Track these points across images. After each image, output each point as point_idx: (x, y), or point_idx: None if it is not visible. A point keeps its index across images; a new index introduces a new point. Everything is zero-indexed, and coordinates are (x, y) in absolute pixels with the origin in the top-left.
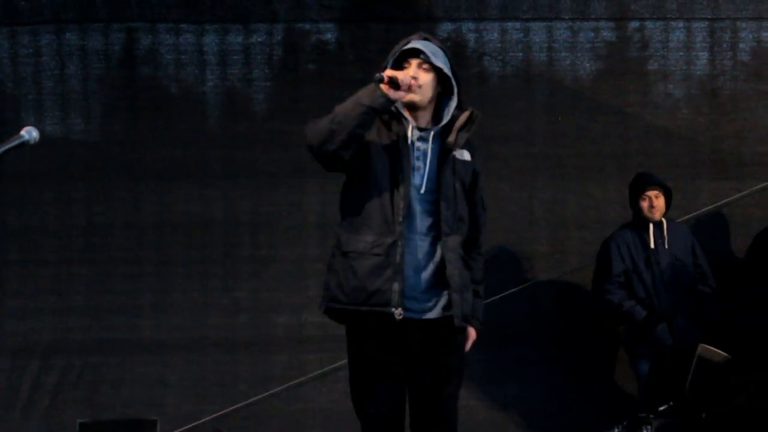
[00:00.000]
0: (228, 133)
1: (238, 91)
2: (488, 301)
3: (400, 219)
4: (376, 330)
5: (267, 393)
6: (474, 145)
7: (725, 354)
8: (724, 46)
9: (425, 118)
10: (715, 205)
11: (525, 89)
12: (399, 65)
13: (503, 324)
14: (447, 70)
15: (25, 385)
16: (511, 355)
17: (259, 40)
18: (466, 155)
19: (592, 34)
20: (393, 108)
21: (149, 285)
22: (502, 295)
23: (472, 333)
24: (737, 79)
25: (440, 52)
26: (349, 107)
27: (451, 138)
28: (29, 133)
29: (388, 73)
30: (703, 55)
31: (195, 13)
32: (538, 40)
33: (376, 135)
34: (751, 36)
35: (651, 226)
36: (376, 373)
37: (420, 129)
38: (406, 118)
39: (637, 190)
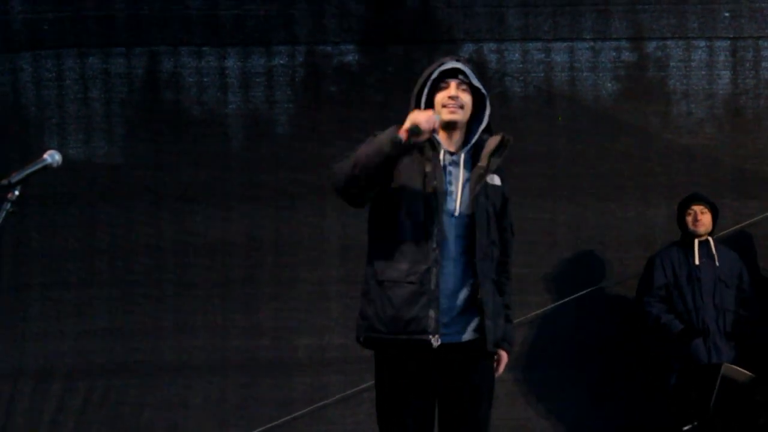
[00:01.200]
0: (250, 156)
1: (260, 113)
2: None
3: (434, 245)
4: (412, 357)
5: (289, 416)
6: (503, 170)
7: (749, 373)
8: (747, 65)
9: (458, 139)
10: (740, 225)
11: (546, 109)
12: (436, 85)
13: (527, 346)
14: (484, 90)
15: (49, 408)
16: (535, 377)
17: (281, 62)
18: (496, 180)
19: (614, 54)
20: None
21: (171, 307)
22: (525, 317)
23: (504, 356)
24: (760, 98)
25: (475, 72)
26: (370, 153)
27: (483, 162)
28: (52, 157)
29: (409, 123)
30: (726, 74)
31: (217, 36)
32: (559, 60)
33: (408, 159)
34: None
35: (696, 242)
36: (406, 400)
37: (451, 153)
38: (438, 142)
39: (683, 206)
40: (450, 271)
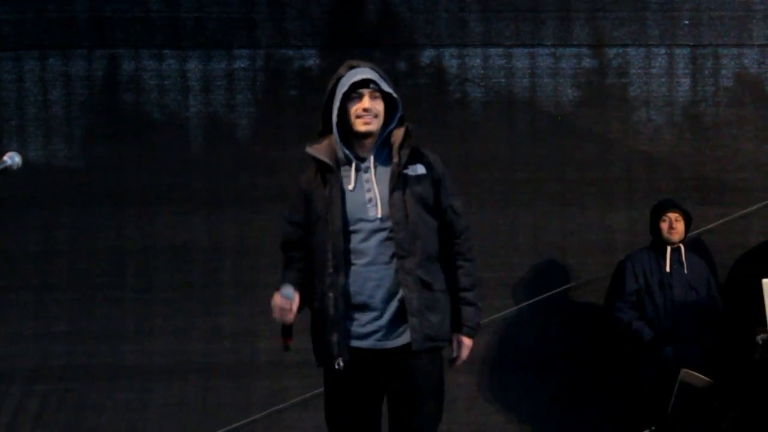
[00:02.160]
0: (211, 159)
1: (221, 116)
2: None
3: (330, 271)
4: (355, 363)
5: (249, 419)
6: (429, 156)
7: (708, 379)
8: (706, 72)
9: (372, 145)
10: (698, 231)
11: (507, 115)
12: (347, 98)
13: (488, 350)
14: (395, 95)
15: (7, 411)
16: (495, 381)
17: (242, 66)
18: (420, 169)
19: (575, 61)
20: (327, 158)
21: (132, 310)
22: (485, 321)
23: (465, 341)
24: (719, 105)
25: (384, 77)
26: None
27: (395, 159)
28: (12, 159)
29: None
30: (685, 82)
31: (178, 38)
32: (520, 66)
33: (314, 187)
34: (732, 62)
35: (668, 249)
36: (349, 405)
37: (362, 159)
38: (348, 156)
39: (658, 212)
40: (377, 278)
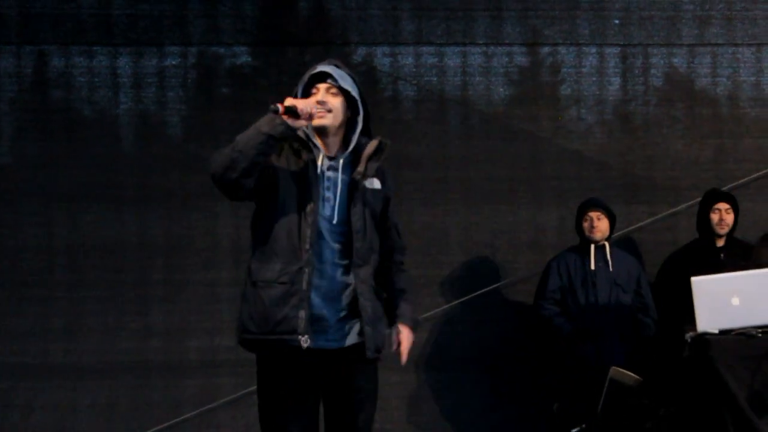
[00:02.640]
0: (142, 156)
1: (151, 114)
2: None
3: (307, 247)
4: (286, 360)
5: (179, 418)
6: (386, 172)
7: (637, 377)
8: (636, 71)
9: (335, 144)
10: (627, 229)
11: (439, 113)
12: (308, 91)
13: (419, 349)
14: (355, 93)
15: None
16: (427, 379)
17: (173, 63)
18: (376, 183)
19: (506, 59)
20: (302, 135)
21: (61, 308)
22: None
23: (406, 331)
24: (649, 104)
25: (348, 77)
26: (249, 135)
27: (361, 168)
28: None
29: (287, 102)
30: (615, 81)
31: (108, 35)
32: (452, 64)
33: (285, 162)
34: (662, 62)
35: (592, 247)
36: (286, 404)
37: (330, 158)
38: (316, 146)
39: (581, 211)
40: (327, 276)
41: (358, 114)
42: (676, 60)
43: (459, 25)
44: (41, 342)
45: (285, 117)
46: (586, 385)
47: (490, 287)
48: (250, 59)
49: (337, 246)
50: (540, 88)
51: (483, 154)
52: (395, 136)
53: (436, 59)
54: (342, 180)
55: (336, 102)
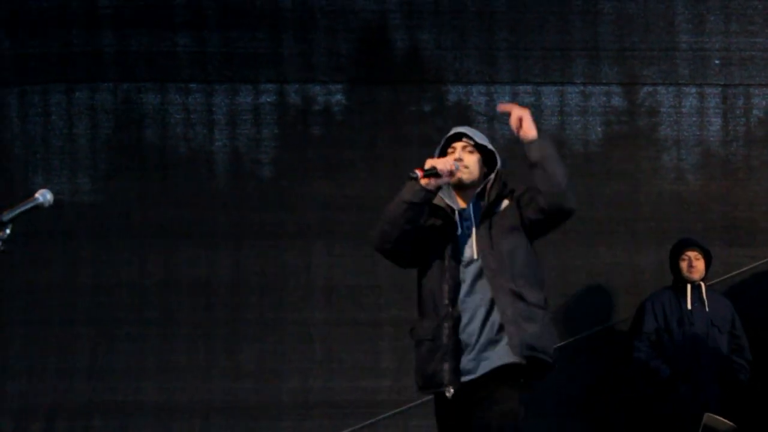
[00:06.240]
0: (235, 194)
1: (246, 151)
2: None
3: (446, 302)
4: (441, 408)
5: None
6: (508, 190)
7: (731, 423)
8: (737, 112)
9: (471, 197)
10: (730, 275)
11: None
12: (443, 153)
13: None
14: (490, 146)
15: None
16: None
17: (269, 100)
18: (503, 204)
19: (604, 99)
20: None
21: (153, 347)
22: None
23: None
24: (750, 146)
25: (480, 134)
26: (394, 206)
27: (485, 202)
28: (43, 196)
29: (427, 164)
30: (716, 121)
31: (204, 72)
32: (549, 104)
33: (429, 222)
34: (764, 102)
35: (689, 287)
36: None
37: (464, 210)
38: (454, 202)
39: (677, 251)
40: (475, 317)
41: (493, 169)
42: None
43: (556, 64)
44: (133, 380)
45: (425, 180)
46: (679, 427)
47: (589, 332)
48: (344, 97)
49: (481, 285)
50: (638, 129)
51: (581, 195)
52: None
53: (533, 98)
54: (475, 221)
55: (473, 158)
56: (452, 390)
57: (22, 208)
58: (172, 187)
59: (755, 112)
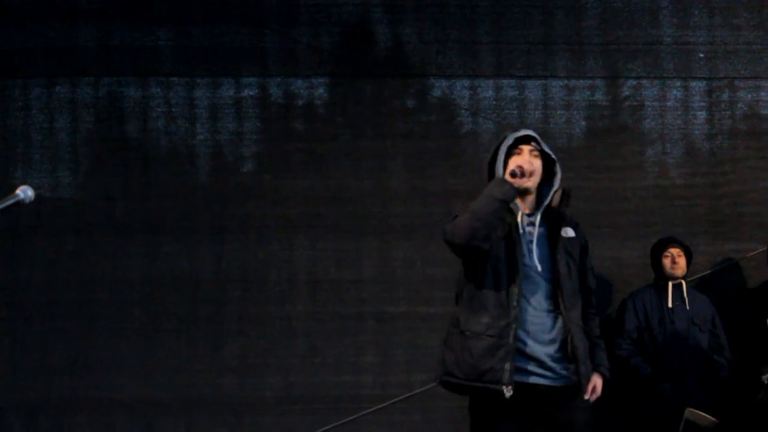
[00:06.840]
0: (217, 188)
1: (228, 145)
2: None
3: (515, 304)
4: (495, 403)
5: None
6: (574, 221)
7: (713, 418)
8: (722, 105)
9: (531, 202)
10: (714, 268)
11: None
12: (510, 151)
13: None
14: (553, 156)
15: None
16: None
17: (251, 94)
18: (570, 232)
19: (588, 93)
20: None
21: (136, 342)
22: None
23: (599, 381)
24: (735, 139)
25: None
26: (484, 203)
27: (555, 219)
28: (24, 192)
29: (510, 169)
30: (701, 115)
31: (186, 66)
32: (533, 97)
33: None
34: (749, 96)
35: (670, 285)
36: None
37: (528, 215)
38: (516, 206)
39: (660, 248)
40: (541, 323)
41: (553, 174)
42: (762, 93)
43: (540, 58)
44: (116, 375)
45: (512, 179)
46: (662, 425)
47: None
48: (326, 91)
49: (544, 294)
50: (621, 124)
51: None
52: (474, 170)
53: (517, 92)
54: (540, 233)
55: (538, 164)
56: (511, 390)
57: (3, 205)
58: (154, 181)
59: (740, 105)
